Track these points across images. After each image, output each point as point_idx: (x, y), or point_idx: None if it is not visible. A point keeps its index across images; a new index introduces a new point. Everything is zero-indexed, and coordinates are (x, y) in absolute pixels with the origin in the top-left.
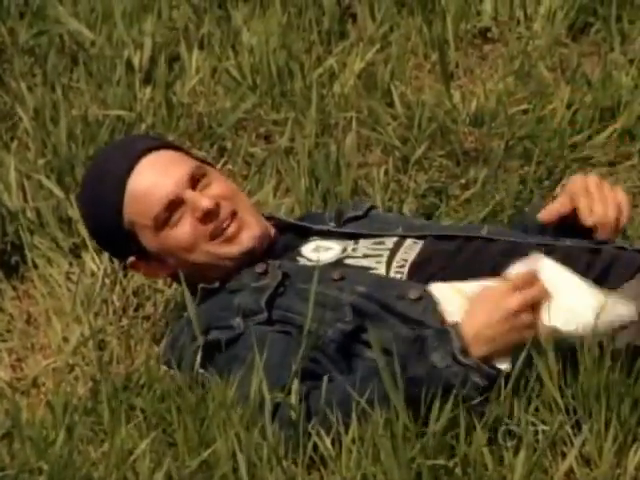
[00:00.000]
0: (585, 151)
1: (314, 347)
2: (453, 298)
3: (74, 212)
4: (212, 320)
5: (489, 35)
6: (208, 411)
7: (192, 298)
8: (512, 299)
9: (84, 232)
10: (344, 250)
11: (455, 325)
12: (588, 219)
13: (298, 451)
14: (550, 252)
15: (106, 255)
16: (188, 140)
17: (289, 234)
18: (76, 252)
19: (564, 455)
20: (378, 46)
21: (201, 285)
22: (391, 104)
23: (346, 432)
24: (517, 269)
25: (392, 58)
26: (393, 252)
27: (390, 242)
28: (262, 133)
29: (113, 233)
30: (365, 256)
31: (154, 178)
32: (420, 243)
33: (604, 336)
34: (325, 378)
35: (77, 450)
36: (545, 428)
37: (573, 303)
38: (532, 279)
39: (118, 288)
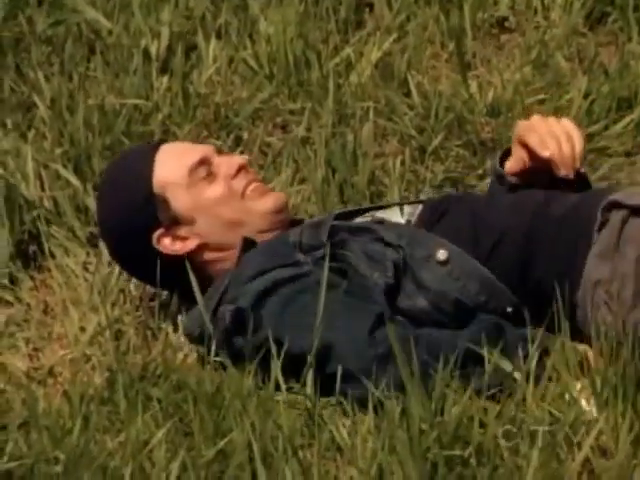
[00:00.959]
0: (602, 141)
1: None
2: None
3: (91, 201)
4: (270, 259)
5: (506, 25)
6: (224, 401)
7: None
8: None
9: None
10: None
11: None
12: (543, 152)
13: (314, 441)
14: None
15: None
16: (205, 130)
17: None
18: (93, 242)
19: (580, 445)
20: (395, 35)
21: (243, 235)
22: (408, 94)
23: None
24: None
25: (409, 48)
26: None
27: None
28: (279, 123)
29: (141, 204)
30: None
31: (181, 149)
32: (420, 205)
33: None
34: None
35: (93, 440)
36: (561, 418)
37: None
38: None
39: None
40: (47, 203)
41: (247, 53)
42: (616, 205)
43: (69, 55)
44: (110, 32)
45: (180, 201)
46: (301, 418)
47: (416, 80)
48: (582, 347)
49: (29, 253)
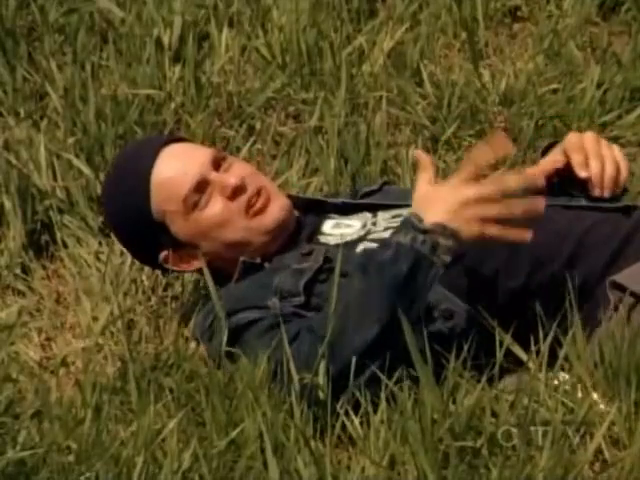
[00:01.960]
0: (615, 131)
1: None
2: None
3: None
4: (248, 298)
5: (519, 14)
6: (236, 391)
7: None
8: (469, 189)
9: None
10: (364, 225)
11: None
12: (582, 173)
13: (326, 431)
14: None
15: None
16: (217, 119)
17: (309, 215)
18: (105, 231)
19: (592, 436)
20: (407, 25)
21: (242, 258)
22: (420, 83)
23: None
24: None
25: (421, 37)
26: None
27: (407, 213)
28: (291, 112)
29: (143, 228)
30: (386, 229)
31: (178, 165)
32: None
33: None
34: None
35: (105, 429)
36: (574, 408)
37: None
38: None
39: (147, 268)
40: (60, 193)
41: (260, 42)
42: (620, 288)
43: (82, 44)
44: (123, 21)
45: (179, 228)
46: (313, 408)
47: (429, 70)
48: None
49: (41, 243)
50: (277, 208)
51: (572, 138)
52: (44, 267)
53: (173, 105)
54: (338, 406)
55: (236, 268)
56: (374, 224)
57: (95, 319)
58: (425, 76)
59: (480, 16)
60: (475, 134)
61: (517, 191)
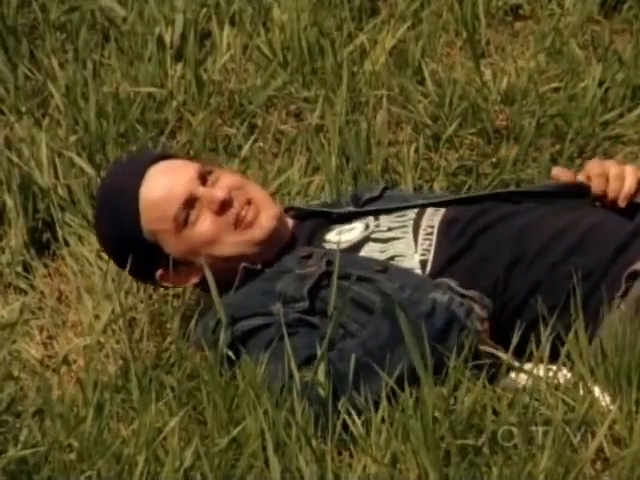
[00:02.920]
0: (616, 129)
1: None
2: None
3: None
4: (252, 305)
5: (520, 12)
6: (238, 389)
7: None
8: None
9: None
10: (367, 227)
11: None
12: (598, 194)
13: (327, 430)
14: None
15: None
16: (219, 117)
17: (310, 221)
18: None
19: (594, 434)
20: (409, 23)
21: (243, 264)
22: (422, 82)
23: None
24: None
25: (423, 35)
26: (417, 221)
27: (412, 213)
28: (292, 111)
29: (137, 250)
30: (390, 229)
31: (165, 183)
32: (442, 210)
33: None
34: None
35: (107, 427)
36: (575, 406)
37: None
38: None
39: None
40: (61, 191)
41: (261, 41)
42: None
43: (83, 42)
44: (124, 19)
45: (172, 246)
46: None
47: (430, 68)
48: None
49: (43, 241)
50: (266, 218)
51: (595, 166)
52: (46, 265)
53: (174, 103)
54: (339, 405)
55: (235, 276)
56: (377, 225)
57: (97, 317)
58: (427, 74)
59: (482, 14)
60: (477, 132)
61: None
